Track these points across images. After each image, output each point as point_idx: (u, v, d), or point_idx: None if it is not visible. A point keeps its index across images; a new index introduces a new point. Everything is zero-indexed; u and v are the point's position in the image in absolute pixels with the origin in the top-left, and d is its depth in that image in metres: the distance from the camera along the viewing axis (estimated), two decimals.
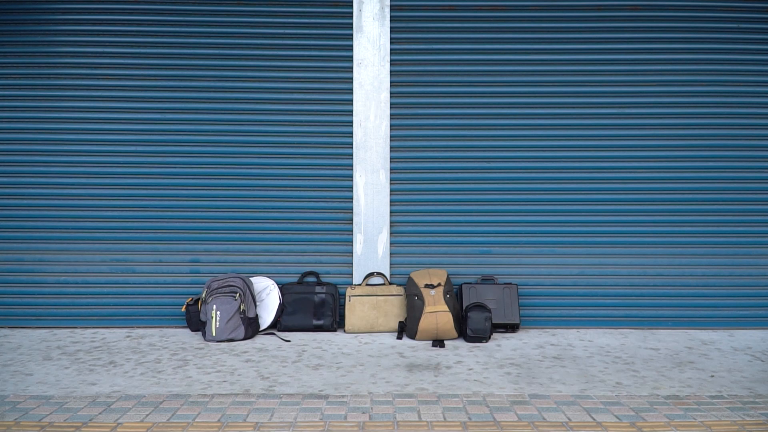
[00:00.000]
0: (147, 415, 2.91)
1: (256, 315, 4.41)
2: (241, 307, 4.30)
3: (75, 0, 4.64)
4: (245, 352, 4.01)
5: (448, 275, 4.49)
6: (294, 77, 4.70)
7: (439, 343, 4.18)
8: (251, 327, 4.35)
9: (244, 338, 4.29)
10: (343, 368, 3.67)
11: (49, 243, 4.66)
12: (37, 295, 4.66)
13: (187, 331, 4.54)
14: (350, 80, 4.67)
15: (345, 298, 4.51)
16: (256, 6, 4.67)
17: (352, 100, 4.67)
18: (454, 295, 4.48)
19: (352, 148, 4.68)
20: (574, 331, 4.60)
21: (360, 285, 4.57)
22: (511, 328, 4.48)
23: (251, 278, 4.57)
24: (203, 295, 4.37)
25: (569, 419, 2.89)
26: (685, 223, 4.70)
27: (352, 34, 4.65)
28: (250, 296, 4.38)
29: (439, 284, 4.35)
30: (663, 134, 4.70)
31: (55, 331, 4.53)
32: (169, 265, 4.70)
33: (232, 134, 4.70)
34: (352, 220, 4.69)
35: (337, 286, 4.62)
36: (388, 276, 4.65)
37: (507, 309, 4.47)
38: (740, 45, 4.68)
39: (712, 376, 3.56)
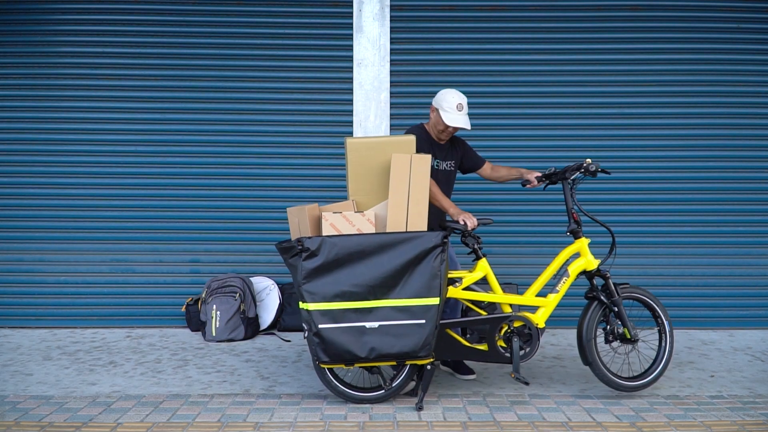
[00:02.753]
0: (147, 415, 2.91)
1: (256, 315, 4.41)
2: (241, 307, 4.30)
3: (75, 0, 4.65)
4: (245, 352, 4.01)
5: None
6: (294, 77, 4.70)
7: None
8: (251, 327, 4.35)
9: (244, 338, 4.29)
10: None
11: (49, 243, 4.66)
12: (37, 295, 4.66)
13: (187, 331, 4.53)
14: (350, 80, 4.66)
15: None
16: (256, 6, 4.67)
17: (352, 100, 4.66)
18: None
19: None
20: (574, 331, 4.58)
21: None
22: None
23: (251, 278, 4.57)
24: (203, 295, 4.37)
25: (569, 419, 2.89)
26: (685, 223, 4.70)
27: (352, 34, 4.65)
28: (250, 296, 4.38)
29: None
30: (663, 134, 4.70)
31: (55, 331, 4.53)
32: (169, 265, 4.69)
33: (232, 134, 4.69)
34: None
35: None
36: None
37: None
38: (740, 45, 4.68)
39: (712, 376, 3.56)
